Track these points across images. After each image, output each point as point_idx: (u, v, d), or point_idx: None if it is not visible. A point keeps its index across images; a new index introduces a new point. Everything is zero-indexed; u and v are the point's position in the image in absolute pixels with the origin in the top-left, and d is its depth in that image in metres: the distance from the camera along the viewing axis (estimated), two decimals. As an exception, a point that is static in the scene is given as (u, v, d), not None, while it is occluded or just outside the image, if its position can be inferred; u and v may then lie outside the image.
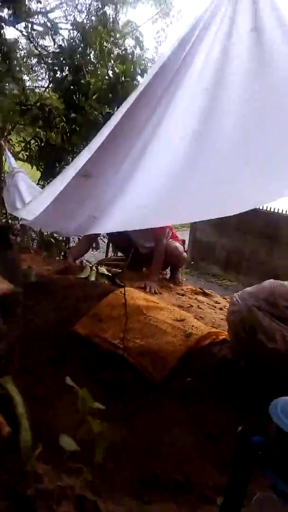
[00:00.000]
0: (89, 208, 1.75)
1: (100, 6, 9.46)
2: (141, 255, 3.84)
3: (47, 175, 5.71)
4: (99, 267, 3.04)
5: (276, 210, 7.83)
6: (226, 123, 1.32)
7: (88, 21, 7.98)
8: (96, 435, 0.82)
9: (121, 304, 2.22)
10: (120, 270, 3.10)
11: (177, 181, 1.47)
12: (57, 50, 6.29)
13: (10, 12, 7.30)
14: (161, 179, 1.52)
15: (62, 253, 5.16)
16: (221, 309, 3.29)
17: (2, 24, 7.58)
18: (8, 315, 1.13)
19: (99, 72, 5.24)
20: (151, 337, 2.04)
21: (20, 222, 4.43)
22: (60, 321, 2.20)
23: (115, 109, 4.95)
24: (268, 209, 7.76)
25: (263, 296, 1.86)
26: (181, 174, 1.47)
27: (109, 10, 10.91)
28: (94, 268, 2.98)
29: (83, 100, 5.17)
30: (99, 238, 4.71)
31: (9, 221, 6.08)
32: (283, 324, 1.75)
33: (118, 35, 5.40)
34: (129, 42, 4.90)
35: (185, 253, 3.95)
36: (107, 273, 2.95)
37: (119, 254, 4.59)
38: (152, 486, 1.44)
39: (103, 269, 2.99)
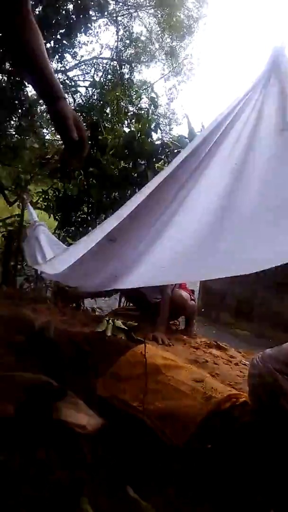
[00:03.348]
0: (112, 268, 1.81)
1: (117, 66, 10.15)
2: (152, 305, 3.84)
3: (64, 224, 5.90)
4: (115, 320, 3.05)
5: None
6: (248, 198, 1.40)
7: (104, 80, 8.51)
8: None
9: (139, 363, 2.21)
10: (136, 324, 3.11)
11: (199, 245, 1.54)
12: (76, 108, 6.68)
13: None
14: (184, 243, 1.58)
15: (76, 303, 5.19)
16: (236, 364, 3.25)
17: (25, 82, 8.13)
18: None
19: (115, 128, 5.53)
20: (171, 400, 2.01)
21: (41, 274, 4.50)
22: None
23: (130, 164, 5.17)
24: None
25: (284, 358, 1.84)
26: (203, 241, 1.53)
27: (125, 69, 11.70)
28: (110, 321, 2.99)
29: (100, 155, 5.42)
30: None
31: (24, 268, 6.22)
32: (305, 389, 1.72)
33: (134, 95, 5.73)
34: (144, 101, 5.20)
35: (192, 302, 3.93)
36: (123, 327, 2.96)
37: (131, 304, 4.61)
38: None
39: (119, 323, 3.00)
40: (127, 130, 5.23)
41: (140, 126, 4.83)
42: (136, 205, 1.56)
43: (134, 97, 5.60)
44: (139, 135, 4.82)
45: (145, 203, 1.54)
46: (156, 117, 6.42)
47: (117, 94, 5.71)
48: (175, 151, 4.87)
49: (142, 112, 5.06)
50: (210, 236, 1.52)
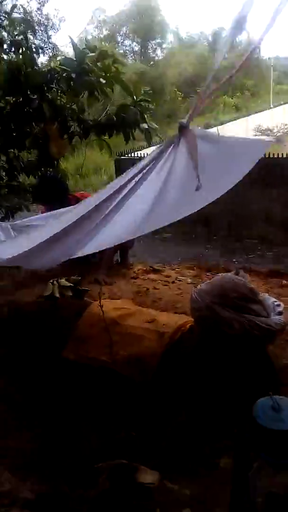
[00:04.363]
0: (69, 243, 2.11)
1: None
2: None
3: None
4: (59, 280, 3.18)
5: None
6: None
7: None
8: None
9: (96, 321, 2.49)
10: (80, 277, 3.27)
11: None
12: None
13: None
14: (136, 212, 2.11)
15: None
16: (173, 282, 3.62)
17: None
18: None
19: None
20: (131, 346, 2.36)
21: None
22: (47, 350, 2.44)
23: (21, 98, 4.77)
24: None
25: (217, 292, 2.22)
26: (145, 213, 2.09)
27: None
28: (54, 282, 3.12)
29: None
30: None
31: None
32: (236, 312, 2.15)
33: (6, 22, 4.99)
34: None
35: None
36: (68, 284, 3.12)
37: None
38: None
39: (64, 281, 3.15)
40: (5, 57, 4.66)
41: (22, 57, 4.36)
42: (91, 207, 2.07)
43: (5, 24, 4.89)
44: (24, 68, 4.38)
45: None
46: (36, 41, 5.75)
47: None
48: (64, 75, 4.52)
49: (20, 38, 4.50)
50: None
